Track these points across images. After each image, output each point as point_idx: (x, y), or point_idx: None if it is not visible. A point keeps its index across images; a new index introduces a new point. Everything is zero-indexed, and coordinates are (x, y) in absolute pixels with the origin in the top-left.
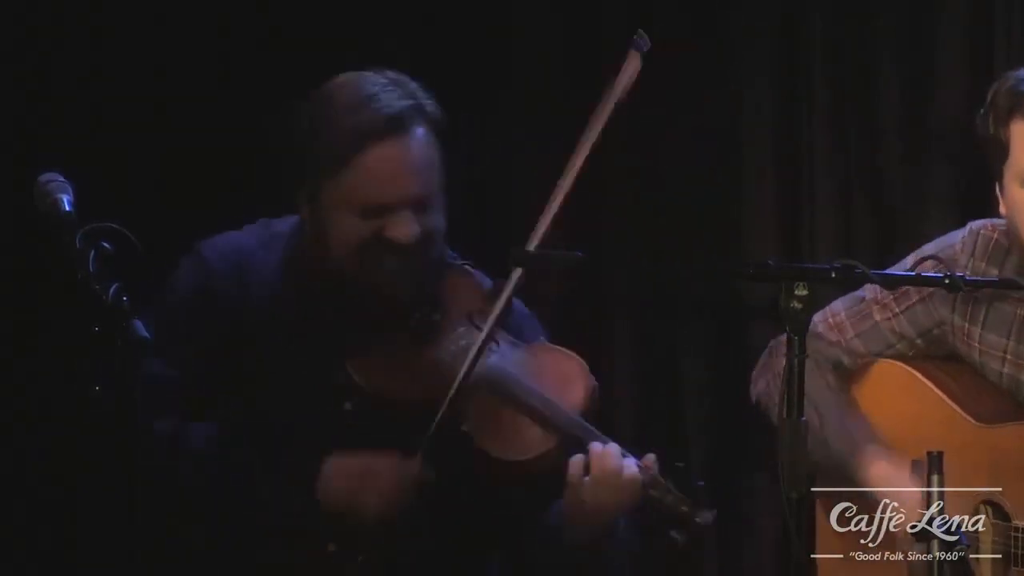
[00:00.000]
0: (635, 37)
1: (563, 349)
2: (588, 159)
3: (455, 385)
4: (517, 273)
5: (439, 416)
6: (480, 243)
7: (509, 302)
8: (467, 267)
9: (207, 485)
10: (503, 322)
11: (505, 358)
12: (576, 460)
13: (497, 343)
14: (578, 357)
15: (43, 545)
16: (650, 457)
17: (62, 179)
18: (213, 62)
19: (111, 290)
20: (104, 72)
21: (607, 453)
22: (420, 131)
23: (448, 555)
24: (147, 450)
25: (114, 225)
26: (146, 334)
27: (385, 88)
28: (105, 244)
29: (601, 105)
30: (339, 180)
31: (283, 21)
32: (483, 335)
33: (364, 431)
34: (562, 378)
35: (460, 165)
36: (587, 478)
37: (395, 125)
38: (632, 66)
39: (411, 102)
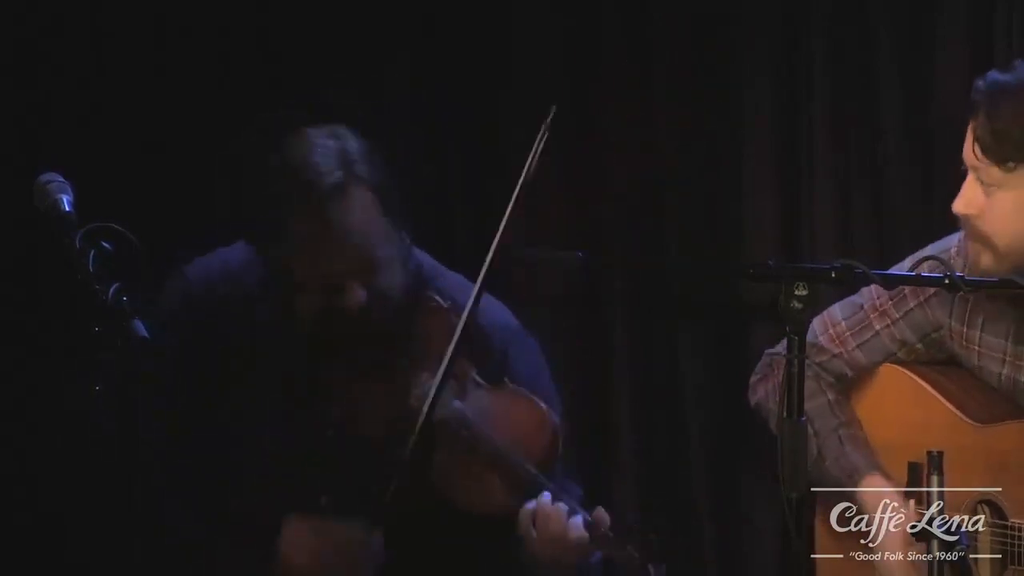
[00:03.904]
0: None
1: (528, 394)
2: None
3: (416, 429)
4: (469, 304)
5: (403, 462)
6: (480, 243)
7: (466, 338)
8: (440, 303)
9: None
10: (472, 359)
11: (468, 403)
12: (525, 514)
13: (464, 386)
14: (543, 405)
15: (43, 545)
16: (600, 513)
17: (62, 179)
18: (213, 62)
19: (111, 290)
20: (104, 72)
21: (550, 516)
22: (354, 196)
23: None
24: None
25: (114, 225)
26: (146, 334)
27: (314, 156)
28: (105, 244)
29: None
30: (280, 254)
31: (283, 22)
32: (437, 379)
33: (345, 457)
34: (524, 426)
35: (461, 166)
36: (534, 533)
37: (325, 199)
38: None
39: (340, 171)
